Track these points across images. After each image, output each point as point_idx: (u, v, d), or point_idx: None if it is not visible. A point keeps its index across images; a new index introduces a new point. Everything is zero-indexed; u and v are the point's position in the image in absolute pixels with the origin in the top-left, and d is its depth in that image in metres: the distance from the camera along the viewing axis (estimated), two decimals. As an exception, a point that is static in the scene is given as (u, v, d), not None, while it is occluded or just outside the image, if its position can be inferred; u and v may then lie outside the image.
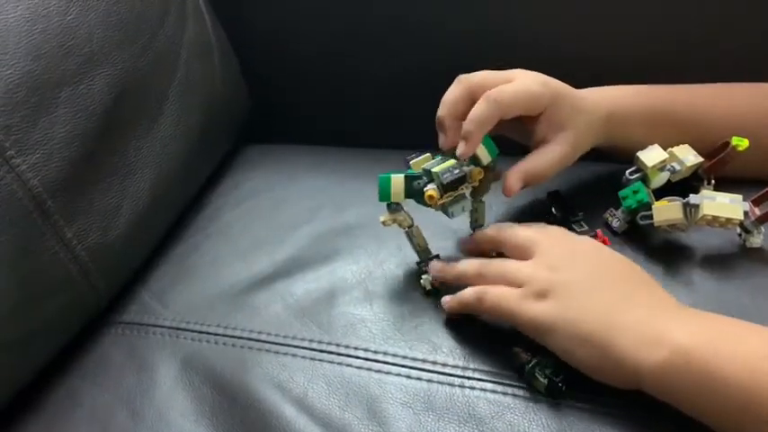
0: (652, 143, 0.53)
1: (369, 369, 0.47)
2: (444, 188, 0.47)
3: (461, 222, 0.55)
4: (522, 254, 0.47)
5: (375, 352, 0.48)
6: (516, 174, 0.50)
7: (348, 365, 0.47)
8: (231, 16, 0.78)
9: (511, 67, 0.52)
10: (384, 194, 0.49)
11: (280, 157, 0.74)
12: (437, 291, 0.51)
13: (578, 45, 0.69)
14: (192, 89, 0.65)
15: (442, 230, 0.56)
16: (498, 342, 0.46)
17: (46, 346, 0.51)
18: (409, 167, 0.52)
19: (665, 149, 0.52)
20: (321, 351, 0.49)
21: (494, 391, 0.44)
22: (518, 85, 0.49)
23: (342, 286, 0.54)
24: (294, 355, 0.49)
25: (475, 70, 0.52)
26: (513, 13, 0.69)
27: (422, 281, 0.51)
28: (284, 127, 0.87)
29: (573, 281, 0.43)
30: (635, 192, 0.51)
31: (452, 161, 0.49)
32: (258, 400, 0.46)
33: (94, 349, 0.53)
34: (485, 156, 0.50)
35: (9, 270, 0.46)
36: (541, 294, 0.43)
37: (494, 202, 0.53)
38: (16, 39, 0.48)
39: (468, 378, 0.45)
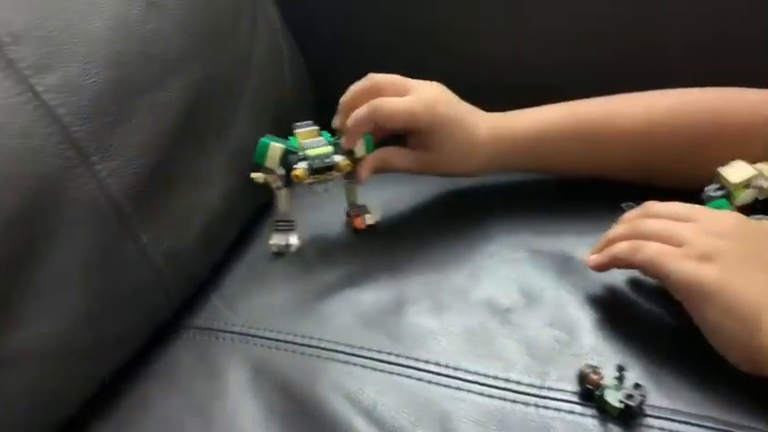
0: (545, 163, 0.59)
1: (439, 384, 0.46)
2: (313, 171, 0.55)
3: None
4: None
5: (447, 366, 0.47)
6: (367, 164, 0.57)
7: (418, 379, 0.47)
8: (295, 19, 0.78)
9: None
10: (260, 157, 0.55)
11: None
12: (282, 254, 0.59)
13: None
14: (263, 98, 0.65)
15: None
16: (576, 359, 0.45)
17: (120, 350, 0.51)
18: (293, 135, 0.58)
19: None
20: (390, 363, 0.48)
21: (571, 412, 0.43)
22: (403, 102, 0.55)
23: (410, 296, 0.53)
24: (363, 366, 0.48)
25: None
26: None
27: (270, 241, 0.59)
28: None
29: (738, 253, 0.42)
30: (718, 209, 0.49)
31: (329, 149, 0.56)
32: (328, 410, 0.46)
33: (165, 354, 0.53)
34: (360, 149, 0.57)
35: (87, 274, 0.47)
36: (705, 257, 0.42)
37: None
38: (100, 47, 0.49)
39: (544, 397, 0.44)
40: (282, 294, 0.56)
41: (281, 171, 0.56)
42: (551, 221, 0.59)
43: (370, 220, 0.61)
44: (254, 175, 0.56)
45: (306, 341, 0.51)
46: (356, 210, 0.62)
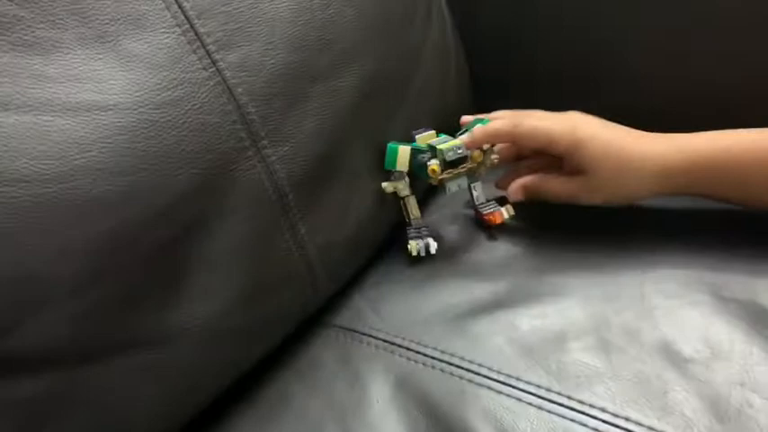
0: (732, 190, 0.52)
1: (607, 433, 0.41)
2: (446, 165, 0.54)
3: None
4: None
5: (615, 415, 0.42)
6: (519, 186, 0.58)
7: (582, 424, 0.42)
8: (466, 21, 0.75)
9: None
10: (390, 162, 0.55)
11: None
12: (420, 257, 0.57)
13: None
14: (427, 94, 0.63)
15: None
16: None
17: (265, 340, 0.50)
18: (414, 141, 0.57)
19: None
20: (550, 401, 0.43)
21: (769, 496, 0.37)
22: (543, 121, 0.55)
23: (573, 329, 0.48)
24: (519, 399, 0.44)
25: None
26: None
27: (409, 246, 0.56)
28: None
29: None
30: None
31: (457, 141, 0.55)
32: (475, 440, 0.42)
33: (307, 349, 0.52)
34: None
35: (246, 257, 0.46)
36: None
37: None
38: (282, 28, 0.48)
39: (734, 471, 0.38)
40: (428, 305, 0.53)
41: (407, 179, 0.57)
42: (738, 262, 0.52)
43: (505, 214, 0.59)
44: (384, 184, 0.56)
45: (456, 361, 0.47)
46: (486, 206, 0.60)
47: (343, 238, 0.53)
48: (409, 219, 0.59)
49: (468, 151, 0.55)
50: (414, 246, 0.57)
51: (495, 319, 0.50)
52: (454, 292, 0.54)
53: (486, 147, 0.57)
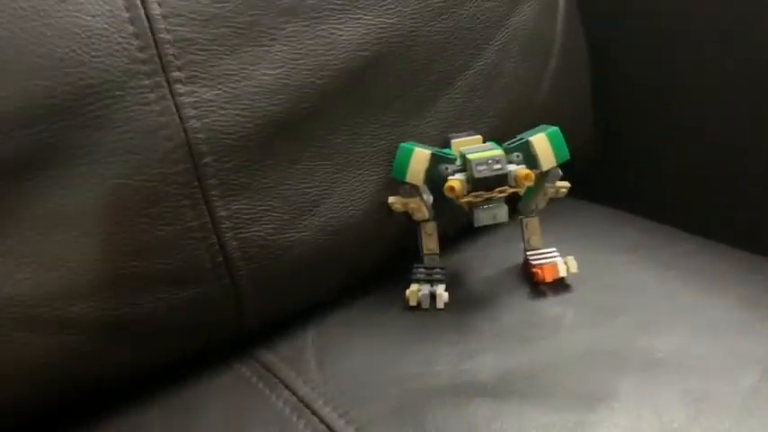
0: None
1: None
2: (474, 183, 0.37)
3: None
4: None
5: None
6: None
7: None
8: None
9: None
10: (399, 170, 0.39)
11: (580, 214, 0.51)
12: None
13: None
14: (489, 89, 0.45)
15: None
16: None
17: (145, 347, 0.36)
18: (448, 146, 0.42)
19: None
20: None
21: None
22: None
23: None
24: None
25: None
26: None
27: (408, 291, 0.40)
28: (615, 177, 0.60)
29: None
30: None
31: (499, 151, 0.38)
32: None
33: (196, 385, 0.37)
34: (548, 157, 0.39)
35: (122, 219, 0.33)
36: None
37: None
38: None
39: None
40: (393, 368, 0.36)
41: (428, 196, 0.41)
42: None
43: (562, 270, 0.41)
44: (392, 199, 0.40)
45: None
46: (539, 255, 0.42)
47: (297, 242, 0.37)
48: (421, 252, 0.42)
49: (512, 168, 0.37)
50: (414, 292, 0.40)
51: (472, 414, 0.31)
52: (436, 357, 0.36)
53: (548, 167, 0.40)
